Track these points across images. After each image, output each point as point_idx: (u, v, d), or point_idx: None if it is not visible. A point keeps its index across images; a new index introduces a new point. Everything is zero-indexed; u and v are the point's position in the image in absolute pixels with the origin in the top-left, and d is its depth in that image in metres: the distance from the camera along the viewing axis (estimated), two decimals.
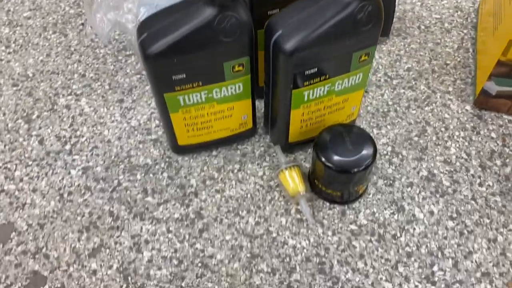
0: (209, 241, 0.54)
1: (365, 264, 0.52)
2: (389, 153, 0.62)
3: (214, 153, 0.62)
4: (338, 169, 0.51)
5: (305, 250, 0.53)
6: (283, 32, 0.47)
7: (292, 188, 0.55)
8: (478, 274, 0.51)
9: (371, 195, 0.58)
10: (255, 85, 0.55)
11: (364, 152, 0.52)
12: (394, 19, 0.76)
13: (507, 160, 0.61)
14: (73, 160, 0.62)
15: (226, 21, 0.45)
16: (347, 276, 0.51)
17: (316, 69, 0.49)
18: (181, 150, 0.61)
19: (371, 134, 0.63)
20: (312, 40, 0.46)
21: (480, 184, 0.59)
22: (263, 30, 0.53)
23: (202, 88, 0.51)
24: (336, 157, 0.51)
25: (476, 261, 0.52)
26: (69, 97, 0.69)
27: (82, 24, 0.80)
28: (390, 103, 0.67)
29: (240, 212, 0.57)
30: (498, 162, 0.61)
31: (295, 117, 0.55)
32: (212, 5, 0.45)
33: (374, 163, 0.52)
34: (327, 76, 0.51)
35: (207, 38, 0.46)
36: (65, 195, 0.59)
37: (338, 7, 0.45)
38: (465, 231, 0.55)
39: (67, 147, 0.63)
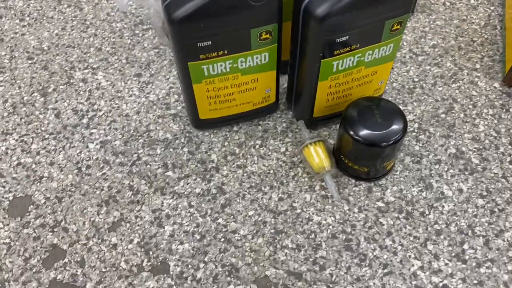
0: (232, 216, 0.53)
1: (393, 241, 0.51)
2: (416, 130, 0.60)
3: (235, 128, 0.61)
4: (367, 143, 0.50)
5: (330, 227, 0.52)
6: None
7: (317, 164, 0.54)
8: (511, 253, 0.50)
9: (398, 172, 0.56)
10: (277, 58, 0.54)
11: (394, 126, 0.50)
12: None
13: None
14: (91, 133, 0.60)
15: None
16: (374, 253, 0.50)
17: (347, 37, 0.47)
18: (201, 124, 0.59)
19: None
20: (345, 4, 0.44)
21: (511, 162, 0.57)
22: None
23: (227, 57, 0.49)
24: (365, 131, 0.50)
25: (508, 240, 0.51)
26: (86, 71, 0.67)
27: None
28: (416, 79, 0.65)
29: (263, 188, 0.55)
30: None
31: (322, 89, 0.53)
32: None
33: (404, 137, 0.51)
34: (358, 46, 0.49)
35: (236, 1, 0.44)
36: (83, 169, 0.57)
37: None
38: (496, 209, 0.53)
39: (84, 120, 0.62)
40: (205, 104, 0.56)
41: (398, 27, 0.49)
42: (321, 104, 0.56)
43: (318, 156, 0.54)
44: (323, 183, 0.55)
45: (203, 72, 0.51)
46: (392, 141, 0.49)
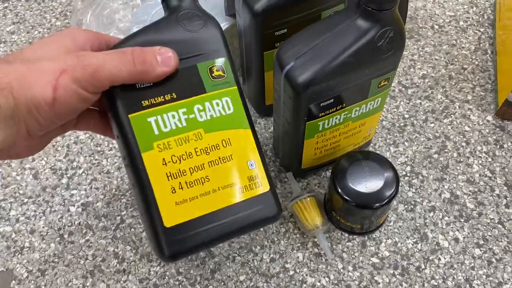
0: (222, 283, 0.51)
1: None
2: (408, 174, 0.58)
3: None
4: (358, 205, 0.48)
5: None
6: (296, 64, 0.42)
7: (308, 222, 0.52)
8: None
9: (392, 223, 0.54)
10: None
11: (386, 183, 0.48)
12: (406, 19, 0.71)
13: None
14: (71, 195, 0.58)
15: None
16: None
17: (332, 100, 0.45)
18: None
19: (388, 153, 0.60)
20: (328, 72, 0.41)
21: (507, 205, 0.55)
22: (269, 51, 0.49)
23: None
24: (356, 191, 0.48)
25: None
26: None
27: None
28: (406, 116, 0.63)
29: (253, 248, 0.53)
30: None
31: (308, 146, 0.51)
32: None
33: (397, 195, 0.49)
34: (344, 105, 0.47)
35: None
36: (66, 236, 0.55)
37: (355, 34, 0.41)
38: (493, 260, 0.52)
39: (64, 180, 0.59)
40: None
41: (386, 83, 0.47)
42: (309, 158, 0.53)
43: (309, 214, 0.52)
44: (316, 239, 0.53)
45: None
46: (385, 202, 0.47)
